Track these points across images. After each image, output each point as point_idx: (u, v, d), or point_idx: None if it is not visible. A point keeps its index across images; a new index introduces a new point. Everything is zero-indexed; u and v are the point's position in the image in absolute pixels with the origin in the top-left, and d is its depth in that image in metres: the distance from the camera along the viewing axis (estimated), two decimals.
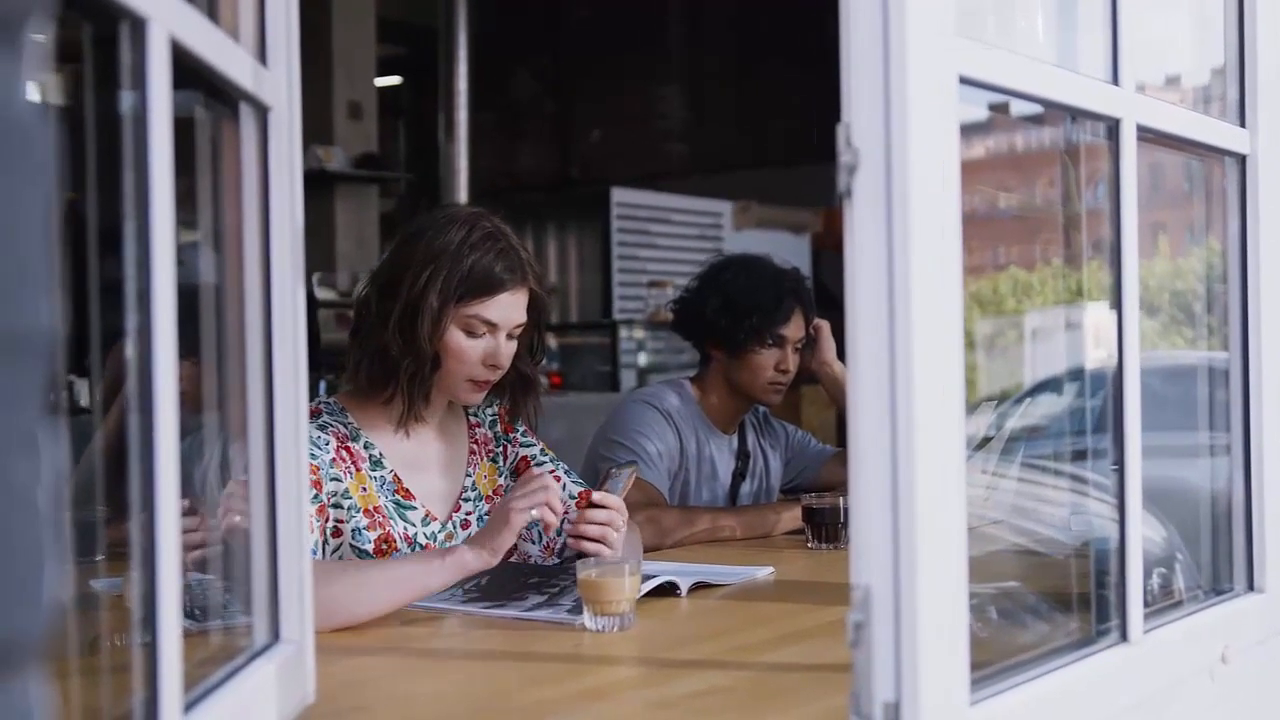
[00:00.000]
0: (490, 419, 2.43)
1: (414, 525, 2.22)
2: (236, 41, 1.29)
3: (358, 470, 2.19)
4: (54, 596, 0.60)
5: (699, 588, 2.20)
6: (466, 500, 2.33)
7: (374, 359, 2.20)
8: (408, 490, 2.24)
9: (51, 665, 0.65)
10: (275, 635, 1.39)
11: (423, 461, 2.29)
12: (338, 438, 2.17)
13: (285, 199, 1.39)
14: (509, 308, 2.22)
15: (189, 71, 1.13)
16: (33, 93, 0.60)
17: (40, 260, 0.59)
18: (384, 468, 2.23)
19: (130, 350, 1.03)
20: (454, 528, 2.29)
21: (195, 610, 1.39)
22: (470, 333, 2.20)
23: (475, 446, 2.38)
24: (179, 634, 1.04)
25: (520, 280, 2.23)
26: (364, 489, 2.18)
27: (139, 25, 1.01)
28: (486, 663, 1.76)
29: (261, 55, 1.36)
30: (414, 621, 1.97)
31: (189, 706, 1.11)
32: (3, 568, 0.57)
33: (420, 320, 2.16)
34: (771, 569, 2.39)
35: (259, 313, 1.37)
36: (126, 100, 1.03)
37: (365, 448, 2.22)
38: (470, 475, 2.35)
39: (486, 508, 2.34)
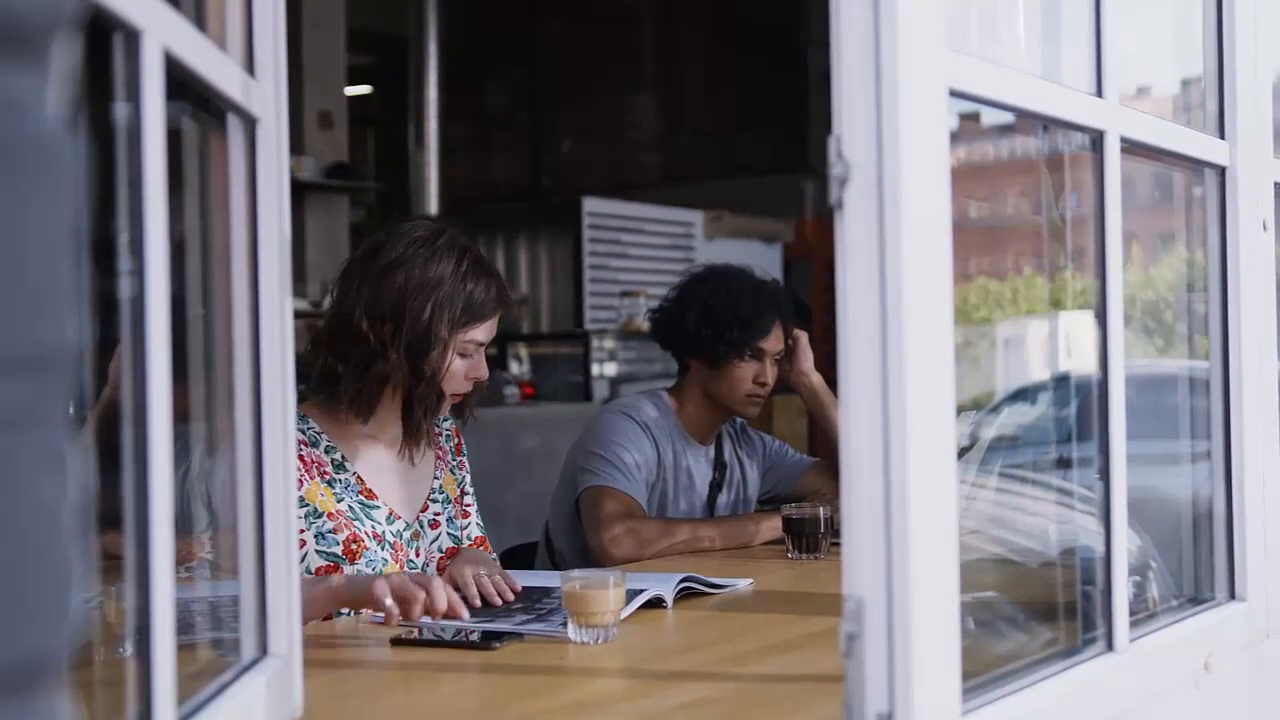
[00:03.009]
0: (446, 434, 2.52)
1: (380, 524, 2.29)
2: (225, 52, 1.28)
3: (313, 479, 2.25)
4: (79, 615, 0.60)
5: (685, 595, 2.20)
6: (435, 501, 2.42)
7: (376, 386, 2.27)
8: (370, 490, 2.31)
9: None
10: (263, 650, 1.38)
11: (388, 465, 2.36)
12: None
13: (273, 211, 1.38)
14: (494, 327, 2.35)
15: (178, 82, 1.12)
16: (57, 109, 0.60)
17: (67, 275, 0.59)
18: (347, 470, 2.29)
19: (124, 362, 1.02)
20: (421, 526, 2.38)
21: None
22: (463, 355, 2.31)
23: (440, 452, 2.47)
24: (173, 648, 1.03)
25: (507, 300, 2.36)
26: (322, 494, 2.24)
27: (133, 37, 1.00)
28: (473, 676, 1.75)
29: (250, 67, 1.36)
30: (401, 637, 1.96)
31: None
32: (32, 585, 0.56)
33: (431, 353, 2.25)
34: (751, 580, 2.39)
35: (246, 324, 1.37)
36: (119, 111, 1.02)
37: (326, 452, 2.29)
38: (438, 478, 2.44)
39: (453, 510, 2.44)
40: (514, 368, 7.47)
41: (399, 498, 2.35)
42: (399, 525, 2.33)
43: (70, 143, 0.60)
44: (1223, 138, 1.85)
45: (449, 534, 2.42)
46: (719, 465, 3.17)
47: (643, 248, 8.33)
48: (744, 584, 2.37)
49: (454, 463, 2.50)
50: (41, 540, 0.57)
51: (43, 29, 0.58)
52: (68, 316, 0.60)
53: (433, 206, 8.24)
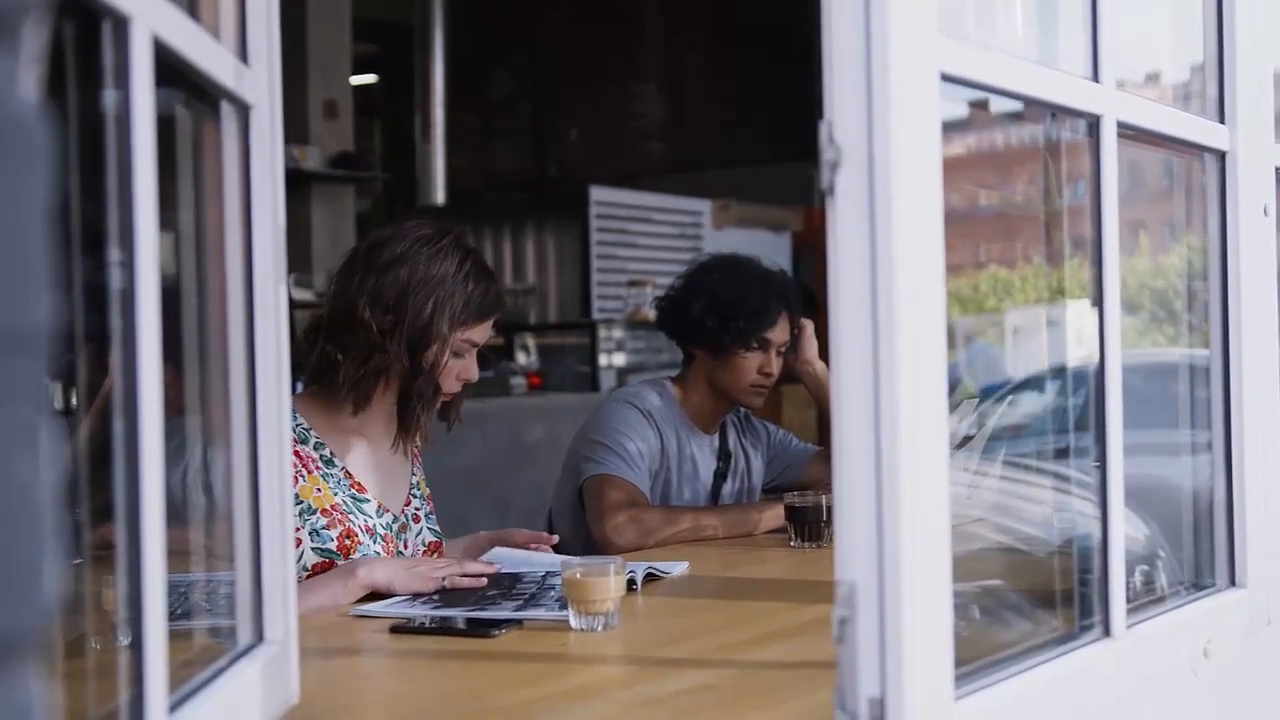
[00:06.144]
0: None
1: (370, 517, 2.33)
2: (218, 40, 1.28)
3: (309, 473, 2.28)
4: (53, 592, 0.60)
5: (649, 579, 2.25)
6: (415, 496, 2.47)
7: (374, 377, 2.30)
8: (360, 484, 2.34)
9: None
10: (259, 636, 1.38)
11: (372, 460, 2.39)
12: None
13: (267, 198, 1.38)
14: (489, 329, 2.38)
15: (170, 70, 1.12)
16: (29, 91, 0.60)
17: (39, 257, 0.59)
18: (336, 466, 2.32)
19: (114, 353, 1.02)
20: (406, 520, 2.42)
21: (176, 611, 1.39)
22: (457, 354, 2.34)
23: (415, 452, 2.51)
24: (164, 635, 1.04)
25: (503, 304, 2.41)
26: (318, 490, 2.28)
27: (121, 24, 1.00)
28: (471, 663, 1.75)
29: (243, 54, 1.36)
30: (399, 625, 1.96)
31: (174, 707, 1.10)
32: (4, 563, 0.57)
33: (430, 347, 2.28)
34: (686, 564, 2.41)
35: (241, 314, 1.37)
36: (108, 99, 1.02)
37: (315, 448, 2.32)
38: (415, 475, 2.49)
39: (429, 507, 2.50)
40: (521, 358, 7.47)
41: (385, 492, 2.39)
42: (387, 518, 2.37)
43: (42, 126, 0.60)
44: (1223, 122, 1.84)
45: (429, 529, 2.48)
46: (724, 454, 3.17)
47: (650, 237, 8.32)
48: (681, 568, 2.40)
49: (421, 465, 2.55)
50: (14, 518, 0.57)
51: (13, 12, 0.58)
52: (41, 298, 0.60)
53: (439, 196, 8.25)
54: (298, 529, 2.20)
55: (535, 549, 2.44)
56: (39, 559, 0.59)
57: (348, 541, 2.26)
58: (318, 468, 2.29)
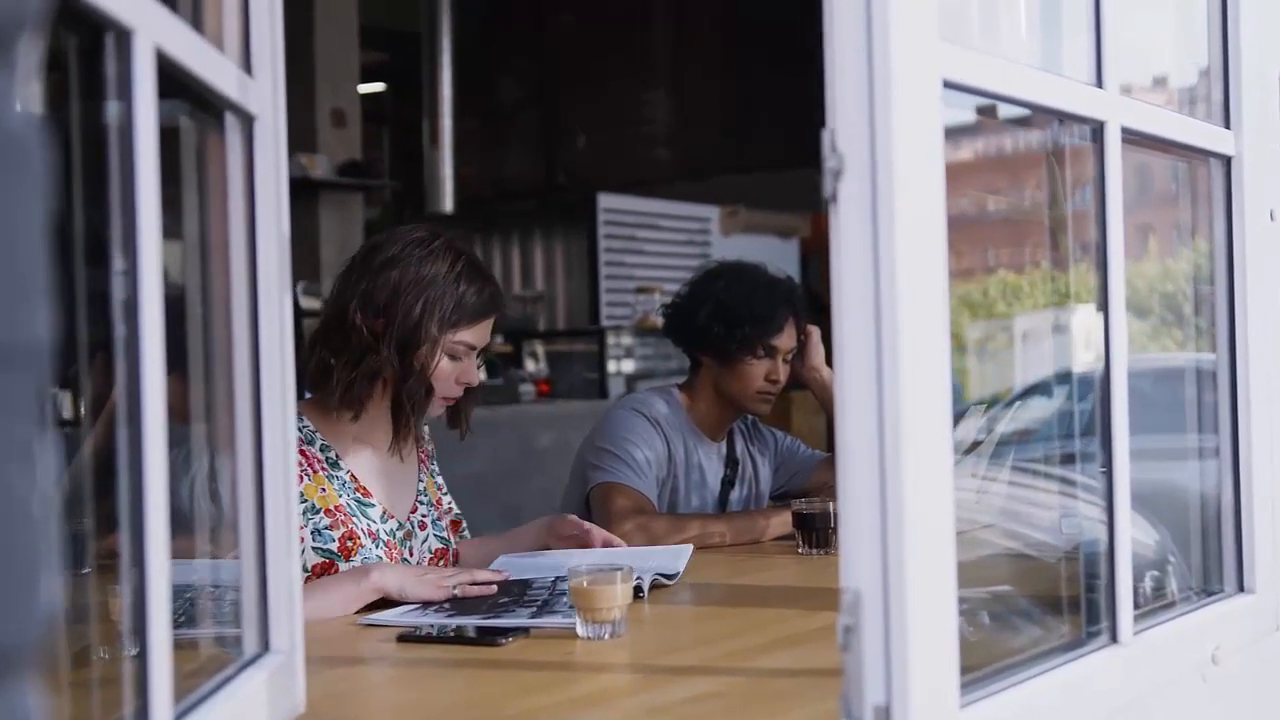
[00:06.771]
0: (425, 439, 2.57)
1: (374, 522, 2.33)
2: (221, 51, 1.29)
3: (315, 473, 2.29)
4: (51, 604, 0.60)
5: (655, 586, 2.24)
6: (422, 503, 2.46)
7: (366, 380, 2.29)
8: (365, 488, 2.35)
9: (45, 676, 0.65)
10: (265, 645, 1.38)
11: (378, 466, 2.40)
12: None
13: (271, 208, 1.38)
14: (488, 331, 2.38)
15: (173, 81, 1.13)
16: (27, 105, 0.60)
17: (37, 271, 0.59)
18: (342, 469, 2.33)
19: (118, 362, 1.02)
20: (412, 527, 2.42)
21: (181, 619, 1.39)
22: (452, 356, 2.33)
23: (423, 457, 2.52)
24: (169, 646, 1.04)
25: (500, 306, 2.39)
26: (323, 490, 2.28)
27: (124, 36, 1.00)
28: (478, 672, 1.75)
29: (246, 65, 1.36)
30: (407, 634, 1.96)
31: (179, 717, 1.11)
32: (1, 576, 0.57)
33: (420, 349, 2.28)
34: (690, 547, 2.43)
35: (245, 324, 1.37)
36: (111, 110, 1.03)
37: (321, 450, 2.32)
38: (422, 481, 2.49)
39: (436, 513, 2.49)
40: (530, 365, 7.48)
41: (390, 498, 2.39)
42: (391, 525, 2.37)
43: (39, 140, 0.60)
44: (1228, 127, 1.84)
45: (435, 535, 2.47)
46: (731, 462, 3.17)
47: (658, 244, 8.33)
48: (685, 552, 2.42)
49: (433, 468, 2.55)
50: (11, 532, 0.57)
51: (8, 28, 0.58)
52: (39, 312, 0.60)
53: (447, 204, 8.25)
54: (300, 527, 2.20)
55: (601, 543, 2.45)
56: (36, 572, 0.59)
57: (349, 543, 2.26)
58: (323, 468, 2.29)
